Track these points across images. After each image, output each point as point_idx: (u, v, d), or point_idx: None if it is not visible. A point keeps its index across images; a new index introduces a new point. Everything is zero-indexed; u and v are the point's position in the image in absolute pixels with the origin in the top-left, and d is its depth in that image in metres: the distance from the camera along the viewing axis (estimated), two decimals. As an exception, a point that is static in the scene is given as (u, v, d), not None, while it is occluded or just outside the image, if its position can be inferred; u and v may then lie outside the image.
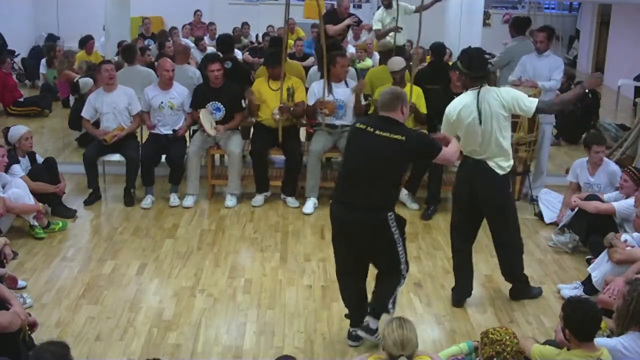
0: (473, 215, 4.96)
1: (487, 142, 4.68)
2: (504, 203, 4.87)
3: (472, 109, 4.67)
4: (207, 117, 6.80)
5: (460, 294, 5.06)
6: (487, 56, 4.92)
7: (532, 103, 4.65)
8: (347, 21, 8.13)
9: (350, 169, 4.28)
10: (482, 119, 4.62)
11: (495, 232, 5.01)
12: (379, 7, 9.82)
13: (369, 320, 4.43)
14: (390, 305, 4.40)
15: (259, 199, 6.97)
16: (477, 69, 4.71)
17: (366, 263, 4.46)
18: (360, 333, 4.44)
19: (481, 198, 4.81)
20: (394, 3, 8.49)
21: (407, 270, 4.38)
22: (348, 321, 4.59)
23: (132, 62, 7.83)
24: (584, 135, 9.59)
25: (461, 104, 4.74)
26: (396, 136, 4.09)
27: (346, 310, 4.57)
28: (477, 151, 4.75)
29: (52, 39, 12.30)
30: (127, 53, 7.95)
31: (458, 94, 5.03)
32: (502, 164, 4.73)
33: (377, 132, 4.14)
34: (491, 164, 4.72)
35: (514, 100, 4.65)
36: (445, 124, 4.83)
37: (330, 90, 6.83)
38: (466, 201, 4.90)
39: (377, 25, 9.23)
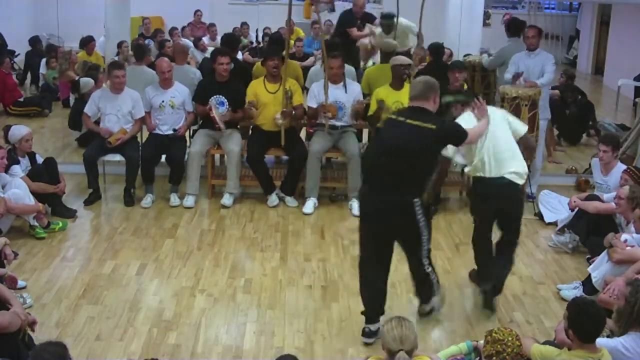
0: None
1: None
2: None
3: None
4: (216, 112, 6.79)
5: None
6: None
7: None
8: (367, 31, 8.31)
9: (381, 154, 4.31)
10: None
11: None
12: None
13: (423, 306, 4.73)
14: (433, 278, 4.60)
15: (273, 198, 6.92)
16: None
17: (390, 252, 4.48)
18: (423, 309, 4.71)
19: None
20: (394, 28, 7.95)
21: (428, 254, 4.55)
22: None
23: (141, 60, 7.82)
24: (584, 135, 9.69)
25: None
26: (427, 125, 4.17)
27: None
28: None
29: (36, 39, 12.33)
30: (139, 51, 7.99)
31: None
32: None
33: (408, 120, 4.22)
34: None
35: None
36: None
37: (326, 92, 6.74)
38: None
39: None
